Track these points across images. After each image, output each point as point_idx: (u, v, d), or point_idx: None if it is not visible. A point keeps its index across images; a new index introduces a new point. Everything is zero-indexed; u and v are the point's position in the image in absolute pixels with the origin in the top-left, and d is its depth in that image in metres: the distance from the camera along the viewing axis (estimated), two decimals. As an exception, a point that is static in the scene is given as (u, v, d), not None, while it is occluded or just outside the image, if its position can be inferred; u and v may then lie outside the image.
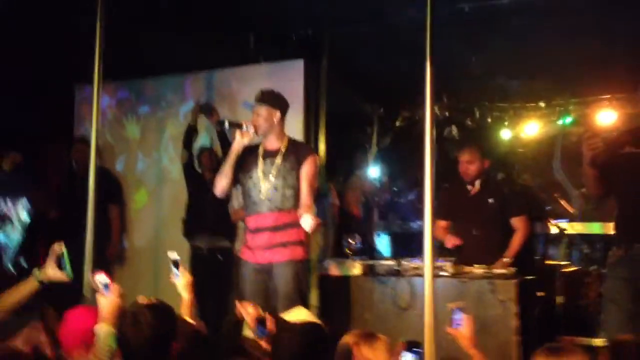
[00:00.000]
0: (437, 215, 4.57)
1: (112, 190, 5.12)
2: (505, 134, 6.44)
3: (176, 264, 2.90)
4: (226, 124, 3.79)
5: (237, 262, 3.99)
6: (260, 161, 3.66)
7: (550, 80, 5.46)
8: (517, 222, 4.40)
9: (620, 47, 4.59)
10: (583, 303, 4.48)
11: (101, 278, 2.56)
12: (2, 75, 4.66)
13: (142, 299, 2.61)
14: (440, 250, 4.39)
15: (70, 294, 3.27)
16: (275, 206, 3.59)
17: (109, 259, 4.98)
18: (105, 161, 5.07)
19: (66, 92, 5.51)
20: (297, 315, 2.57)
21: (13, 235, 5.26)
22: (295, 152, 3.66)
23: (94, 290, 2.60)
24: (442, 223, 4.57)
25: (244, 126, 3.62)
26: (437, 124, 4.59)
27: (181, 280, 2.88)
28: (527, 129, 6.34)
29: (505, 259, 4.08)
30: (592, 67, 4.89)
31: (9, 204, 5.09)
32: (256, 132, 3.62)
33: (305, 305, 3.49)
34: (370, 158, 6.81)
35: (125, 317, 2.36)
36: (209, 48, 4.73)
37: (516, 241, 4.34)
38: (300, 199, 3.57)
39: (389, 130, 6.69)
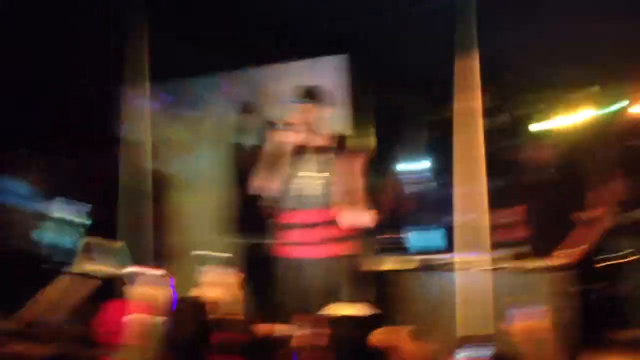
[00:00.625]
0: (510, 201, 4.53)
1: (156, 190, 5.19)
2: (557, 122, 6.27)
3: (203, 261, 2.91)
4: (270, 124, 3.80)
5: (276, 258, 4.01)
6: (305, 158, 3.64)
7: (601, 64, 5.29)
8: (597, 213, 4.19)
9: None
10: (637, 293, 4.34)
11: (153, 270, 2.60)
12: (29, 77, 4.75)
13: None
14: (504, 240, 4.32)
15: (108, 289, 3.34)
16: (320, 203, 3.58)
17: (154, 258, 5.05)
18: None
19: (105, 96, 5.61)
20: (346, 309, 2.57)
21: (67, 237, 5.39)
22: (341, 148, 3.63)
23: (130, 285, 2.64)
24: (517, 210, 4.48)
25: (287, 124, 3.61)
26: (486, 113, 4.52)
27: (206, 278, 2.88)
28: (580, 116, 6.17)
29: (570, 250, 3.93)
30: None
31: (62, 206, 5.22)
32: (300, 129, 3.60)
33: (348, 300, 3.46)
34: (416, 151, 6.75)
35: (169, 313, 2.39)
36: (241, 48, 4.73)
37: (594, 233, 4.13)
38: (347, 195, 3.55)
39: (434, 122, 6.60)
